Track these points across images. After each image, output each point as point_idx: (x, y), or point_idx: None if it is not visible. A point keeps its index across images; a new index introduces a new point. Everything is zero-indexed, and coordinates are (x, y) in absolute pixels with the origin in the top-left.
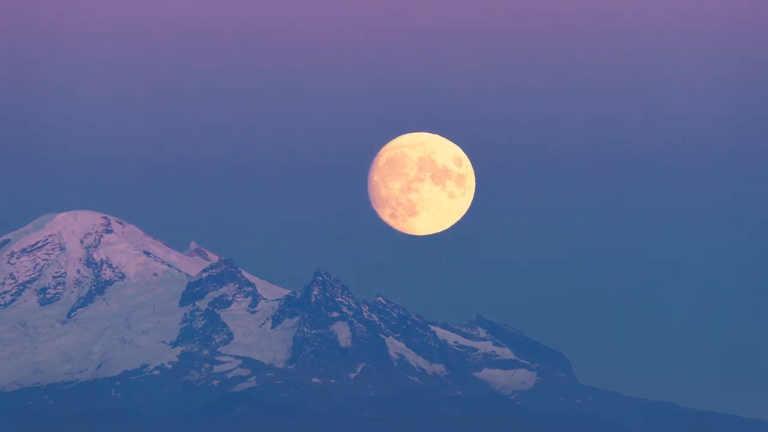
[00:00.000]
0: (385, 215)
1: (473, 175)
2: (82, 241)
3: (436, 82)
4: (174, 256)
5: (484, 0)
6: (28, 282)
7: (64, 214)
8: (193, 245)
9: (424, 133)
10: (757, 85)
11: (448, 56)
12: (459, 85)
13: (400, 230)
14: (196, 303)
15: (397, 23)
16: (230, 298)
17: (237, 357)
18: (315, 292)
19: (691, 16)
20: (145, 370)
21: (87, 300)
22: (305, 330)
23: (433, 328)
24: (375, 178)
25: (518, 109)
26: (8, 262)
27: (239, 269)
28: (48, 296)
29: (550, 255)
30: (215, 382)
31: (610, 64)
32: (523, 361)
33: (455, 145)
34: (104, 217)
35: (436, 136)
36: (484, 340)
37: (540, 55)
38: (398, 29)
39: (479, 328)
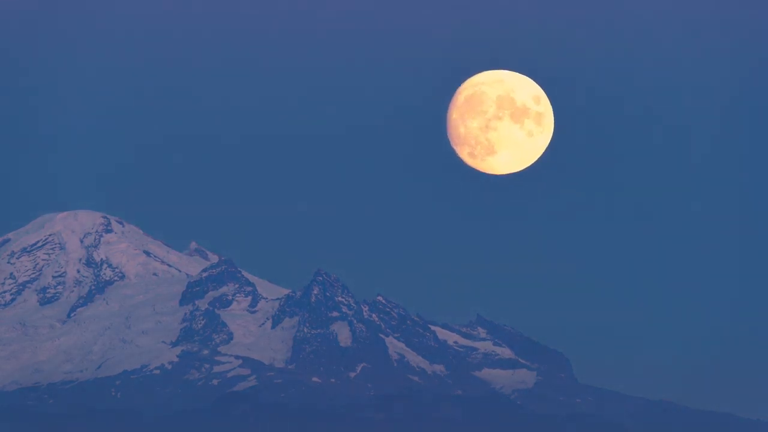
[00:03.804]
0: (464, 154)
1: (552, 113)
2: (82, 241)
3: (516, 18)
4: (174, 256)
5: None
6: (28, 282)
7: (64, 214)
8: (193, 245)
9: (503, 71)
10: None
11: None
12: (539, 21)
13: (479, 169)
14: (196, 303)
15: None
16: (230, 298)
17: (237, 357)
18: (315, 292)
19: None
20: (145, 370)
21: (87, 300)
22: (305, 330)
23: (433, 328)
24: (454, 116)
25: (599, 46)
26: (8, 262)
27: (239, 269)
28: (48, 296)
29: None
30: (215, 382)
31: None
32: (523, 361)
33: (534, 83)
34: (104, 217)
35: (515, 74)
36: (484, 340)
37: None
38: None
39: (479, 328)
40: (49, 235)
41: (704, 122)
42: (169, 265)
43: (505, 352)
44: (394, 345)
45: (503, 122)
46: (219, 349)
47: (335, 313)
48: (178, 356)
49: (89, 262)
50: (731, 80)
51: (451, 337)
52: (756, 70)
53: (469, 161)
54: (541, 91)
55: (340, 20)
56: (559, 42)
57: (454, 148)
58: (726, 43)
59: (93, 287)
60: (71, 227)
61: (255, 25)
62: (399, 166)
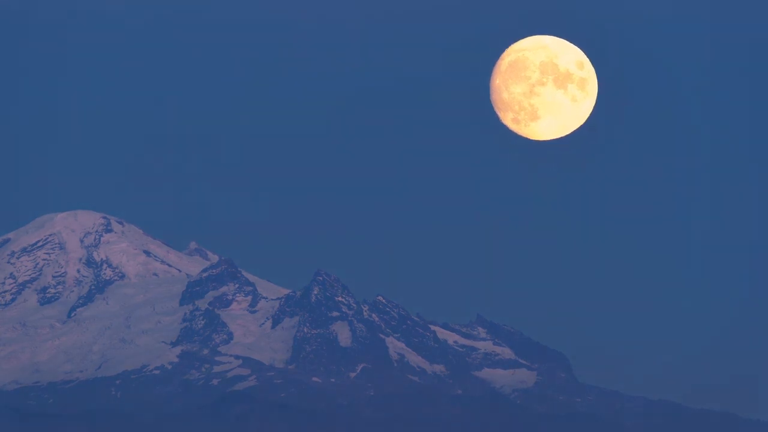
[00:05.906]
0: (507, 120)
1: (595, 79)
2: (82, 241)
3: None
4: (174, 256)
5: None
6: (28, 282)
7: (64, 214)
8: (193, 245)
9: (547, 36)
10: None
11: None
12: None
13: (522, 135)
14: (196, 303)
15: None
16: (230, 297)
17: (237, 357)
18: (315, 292)
19: None
20: (145, 370)
21: (87, 300)
22: (305, 330)
23: (433, 327)
24: (497, 82)
25: (643, 11)
26: (8, 262)
27: (239, 269)
28: (48, 296)
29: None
30: (215, 382)
31: None
32: (523, 361)
33: (578, 48)
34: (104, 217)
35: (559, 39)
36: (484, 340)
37: None
38: None
39: (479, 328)
40: (49, 235)
41: (752, 88)
42: (169, 265)
43: (505, 352)
44: (394, 345)
45: (546, 88)
46: (219, 349)
47: (335, 313)
48: (178, 356)
49: (89, 262)
50: None
51: (451, 337)
52: None
53: (513, 127)
54: (585, 56)
55: None
56: (603, 7)
57: (498, 113)
58: None
59: (93, 287)
60: (71, 227)
61: (256, 20)
62: (420, 152)
